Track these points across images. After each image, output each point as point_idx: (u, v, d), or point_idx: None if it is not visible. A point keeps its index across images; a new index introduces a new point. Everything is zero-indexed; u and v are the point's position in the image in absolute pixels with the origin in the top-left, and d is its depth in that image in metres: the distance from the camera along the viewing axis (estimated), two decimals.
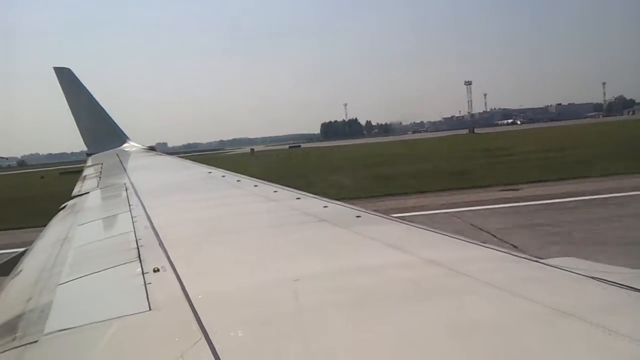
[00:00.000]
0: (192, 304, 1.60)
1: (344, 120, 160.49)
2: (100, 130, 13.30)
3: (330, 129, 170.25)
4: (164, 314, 1.59)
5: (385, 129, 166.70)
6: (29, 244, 3.72)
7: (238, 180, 5.39)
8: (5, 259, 4.02)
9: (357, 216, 2.94)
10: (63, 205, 5.27)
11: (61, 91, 12.79)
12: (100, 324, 1.55)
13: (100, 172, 8.29)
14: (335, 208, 3.30)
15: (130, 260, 2.26)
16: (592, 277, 1.61)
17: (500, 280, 1.65)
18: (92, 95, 13.61)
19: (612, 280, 1.55)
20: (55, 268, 2.49)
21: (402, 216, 7.87)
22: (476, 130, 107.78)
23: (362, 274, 1.83)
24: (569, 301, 1.44)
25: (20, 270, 2.73)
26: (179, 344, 1.34)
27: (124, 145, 13.19)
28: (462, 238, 2.30)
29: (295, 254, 2.28)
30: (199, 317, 1.48)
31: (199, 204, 4.13)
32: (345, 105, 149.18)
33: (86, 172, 8.99)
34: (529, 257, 1.92)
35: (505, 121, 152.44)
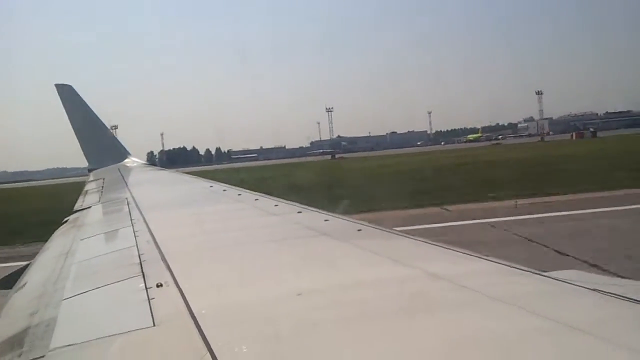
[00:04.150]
0: (196, 320, 1.60)
1: (161, 150, 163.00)
2: (102, 146, 13.39)
3: (154, 158, 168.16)
4: (168, 329, 1.59)
5: (217, 157, 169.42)
6: None
7: (239, 194, 5.42)
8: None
9: (359, 230, 2.94)
10: (65, 220, 5.28)
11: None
12: (106, 339, 1.55)
13: (102, 186, 8.32)
14: (337, 222, 3.31)
15: (133, 275, 2.25)
16: (597, 290, 1.61)
17: (504, 294, 1.65)
18: (93, 112, 13.72)
19: (617, 293, 1.56)
20: (59, 282, 2.49)
21: None
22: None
23: (364, 288, 1.83)
24: (574, 315, 1.44)
25: (24, 284, 2.73)
26: None
27: (125, 160, 13.25)
28: (465, 251, 2.30)
29: (298, 268, 2.28)
30: (203, 333, 1.48)
31: (200, 217, 4.14)
32: (162, 134, 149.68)
33: (88, 187, 9.02)
34: (532, 270, 1.92)
35: (320, 150, 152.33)
